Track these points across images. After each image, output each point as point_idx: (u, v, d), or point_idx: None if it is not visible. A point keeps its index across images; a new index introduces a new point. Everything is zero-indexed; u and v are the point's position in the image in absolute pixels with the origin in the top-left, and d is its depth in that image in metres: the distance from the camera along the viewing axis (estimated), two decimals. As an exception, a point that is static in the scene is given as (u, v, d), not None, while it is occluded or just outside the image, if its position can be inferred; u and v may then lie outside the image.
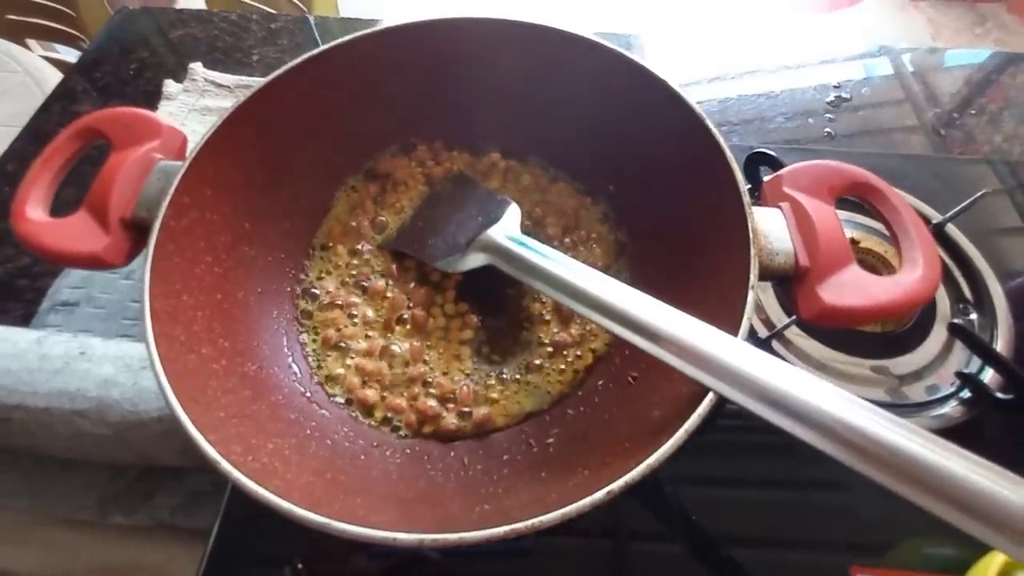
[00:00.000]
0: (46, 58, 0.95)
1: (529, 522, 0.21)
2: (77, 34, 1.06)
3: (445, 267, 0.36)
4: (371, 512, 0.22)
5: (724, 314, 0.26)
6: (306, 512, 0.21)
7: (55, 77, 0.87)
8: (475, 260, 0.34)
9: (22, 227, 0.28)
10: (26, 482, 0.41)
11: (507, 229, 0.34)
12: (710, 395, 0.23)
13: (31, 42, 1.07)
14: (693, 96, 0.31)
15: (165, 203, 0.28)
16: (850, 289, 0.25)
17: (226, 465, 0.22)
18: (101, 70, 0.67)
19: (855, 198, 0.29)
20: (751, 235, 0.26)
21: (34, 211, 0.29)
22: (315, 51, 0.34)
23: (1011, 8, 1.85)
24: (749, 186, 0.30)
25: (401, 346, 0.35)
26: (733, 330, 0.24)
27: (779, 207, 0.29)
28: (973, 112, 0.57)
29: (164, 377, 0.23)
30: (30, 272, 0.51)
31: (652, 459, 0.22)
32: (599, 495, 0.21)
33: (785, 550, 0.34)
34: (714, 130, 0.30)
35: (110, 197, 0.28)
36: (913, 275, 0.25)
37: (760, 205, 0.29)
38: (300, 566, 0.32)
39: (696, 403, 0.23)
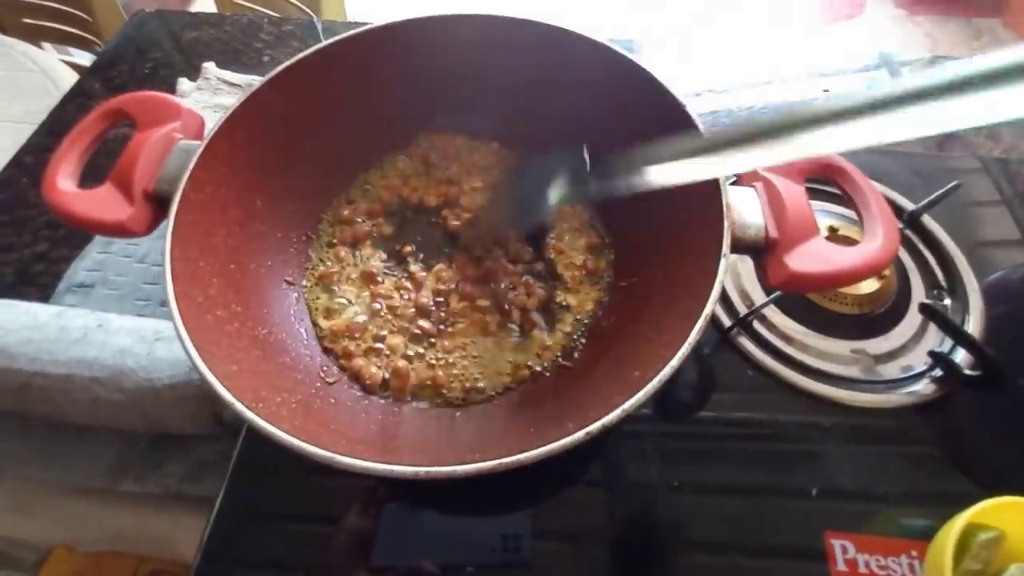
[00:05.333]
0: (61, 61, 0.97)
1: (515, 457, 0.23)
2: (92, 38, 1.09)
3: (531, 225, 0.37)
4: (373, 457, 0.24)
5: (700, 280, 0.28)
6: (313, 447, 0.23)
7: (71, 77, 0.90)
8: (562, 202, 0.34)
9: (53, 197, 0.30)
10: (41, 451, 0.43)
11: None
12: (681, 350, 0.25)
13: (46, 46, 1.10)
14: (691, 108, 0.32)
15: (185, 177, 0.30)
16: (815, 257, 0.27)
17: (240, 406, 0.24)
18: (117, 69, 0.70)
19: (824, 179, 0.31)
20: (725, 210, 0.29)
21: (64, 182, 0.31)
22: (326, 42, 0.36)
23: (1007, 22, 1.88)
24: (735, 176, 0.33)
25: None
26: (706, 293, 0.27)
27: (753, 186, 0.31)
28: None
29: (183, 329, 0.26)
30: (47, 257, 0.53)
31: (627, 404, 0.24)
32: (578, 435, 0.23)
33: (764, 525, 0.36)
34: (694, 115, 0.32)
35: (134, 171, 0.31)
36: (872, 245, 0.28)
37: (738, 185, 0.32)
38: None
39: (670, 356, 0.25)
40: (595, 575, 0.34)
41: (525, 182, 0.38)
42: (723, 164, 0.25)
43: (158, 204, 0.31)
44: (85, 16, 1.06)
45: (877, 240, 0.28)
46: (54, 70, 0.93)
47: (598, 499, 0.36)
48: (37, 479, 0.43)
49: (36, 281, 0.52)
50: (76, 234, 0.53)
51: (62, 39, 1.11)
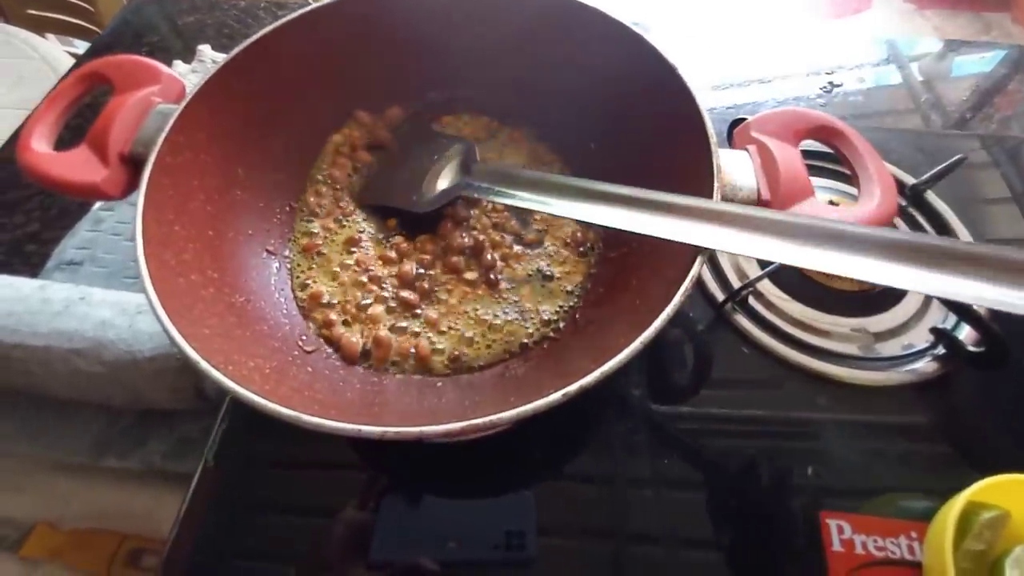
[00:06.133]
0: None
1: (487, 418, 0.22)
2: (95, 28, 1.10)
3: (424, 208, 0.37)
4: (339, 419, 0.23)
5: (688, 245, 0.27)
6: (277, 406, 0.22)
7: (70, 64, 0.90)
8: (449, 194, 0.37)
9: (26, 158, 0.30)
10: (25, 427, 0.42)
11: (473, 160, 0.38)
12: (664, 312, 0.24)
13: (50, 36, 1.10)
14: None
15: (161, 139, 0.30)
16: (807, 215, 0.26)
17: (205, 365, 0.23)
18: (113, 53, 0.69)
19: (819, 140, 0.30)
20: (715, 171, 0.28)
21: (39, 144, 0.30)
22: (309, 7, 0.35)
23: (1016, 17, 1.85)
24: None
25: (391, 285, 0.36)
26: (693, 257, 0.26)
27: (746, 149, 0.30)
28: (980, 117, 0.56)
29: (152, 289, 0.25)
30: (38, 237, 0.53)
31: (607, 366, 0.23)
32: (555, 396, 0.22)
33: (759, 506, 0.35)
34: (685, 78, 0.31)
35: (110, 133, 0.30)
36: (868, 206, 0.27)
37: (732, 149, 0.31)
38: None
39: (653, 319, 0.24)
40: (600, 572, 0.33)
41: (416, 158, 0.39)
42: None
43: (134, 167, 0.31)
44: (88, 6, 1.06)
45: (873, 201, 0.27)
46: (55, 58, 0.93)
47: (603, 494, 0.35)
48: (20, 455, 0.43)
49: (28, 261, 0.51)
50: (68, 214, 0.53)
51: (65, 30, 1.11)
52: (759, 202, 0.28)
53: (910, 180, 0.45)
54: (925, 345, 0.38)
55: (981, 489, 0.29)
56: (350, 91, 0.40)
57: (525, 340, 0.34)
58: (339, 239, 0.37)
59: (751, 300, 0.41)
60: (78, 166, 0.30)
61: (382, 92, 0.42)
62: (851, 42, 0.65)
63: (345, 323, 0.34)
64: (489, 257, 0.36)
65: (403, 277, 0.35)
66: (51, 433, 0.42)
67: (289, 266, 0.36)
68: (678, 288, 0.25)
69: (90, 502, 0.43)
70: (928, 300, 0.40)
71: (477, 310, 0.35)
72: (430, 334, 0.34)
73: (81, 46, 1.18)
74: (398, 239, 0.38)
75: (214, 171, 0.33)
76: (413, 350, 0.33)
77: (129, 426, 0.42)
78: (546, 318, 0.35)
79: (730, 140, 0.43)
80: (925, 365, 0.37)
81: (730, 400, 0.38)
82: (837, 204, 0.43)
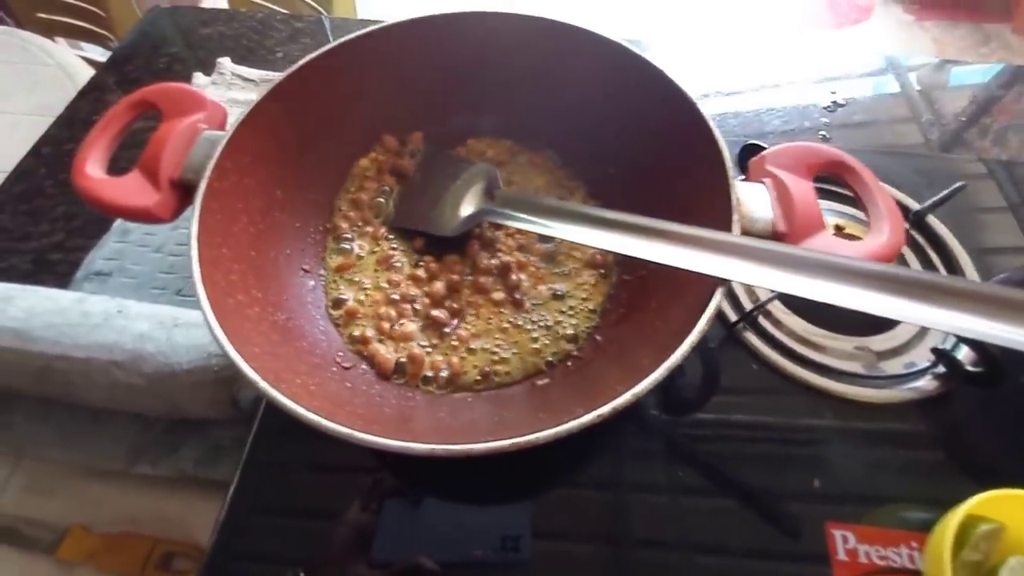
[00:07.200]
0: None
1: (529, 436, 0.23)
2: (105, 33, 1.11)
3: (451, 232, 0.39)
4: (387, 436, 0.25)
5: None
6: (335, 424, 0.24)
7: (86, 71, 0.91)
8: (474, 219, 0.39)
9: (82, 183, 0.31)
10: (60, 433, 0.44)
11: (495, 186, 0.40)
12: (690, 337, 0.26)
13: (60, 40, 1.11)
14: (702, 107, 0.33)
15: (211, 165, 0.31)
16: (820, 250, 0.28)
17: (265, 385, 0.25)
18: (133, 64, 0.71)
19: (831, 175, 0.32)
20: (735, 204, 0.30)
21: (93, 169, 0.32)
22: (343, 39, 0.37)
23: (1016, 28, 1.87)
24: (743, 177, 0.34)
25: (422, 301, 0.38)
26: (714, 285, 0.28)
27: (762, 182, 0.32)
28: (978, 128, 0.58)
29: (210, 310, 0.27)
30: (63, 247, 0.54)
31: (639, 388, 0.25)
32: (589, 417, 0.24)
33: (767, 516, 0.37)
34: (705, 114, 0.33)
35: (161, 159, 0.32)
36: (878, 240, 0.28)
37: (747, 181, 0.32)
38: (301, 575, 0.33)
39: (678, 345, 0.26)
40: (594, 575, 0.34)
41: (440, 181, 0.41)
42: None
43: (183, 191, 0.32)
44: (99, 11, 1.07)
45: (883, 235, 0.29)
46: (70, 64, 0.94)
47: (598, 499, 0.37)
48: (55, 460, 0.44)
49: (53, 269, 0.53)
50: (91, 224, 0.55)
51: (75, 34, 1.12)
52: (775, 234, 0.30)
53: (914, 205, 0.47)
54: (926, 364, 0.40)
55: (979, 503, 0.31)
56: (378, 116, 0.42)
57: (550, 358, 0.36)
58: (371, 259, 0.39)
59: (760, 319, 0.42)
60: (131, 191, 0.31)
61: (408, 118, 0.43)
62: (851, 54, 0.66)
63: (380, 340, 0.36)
64: (515, 278, 0.38)
65: (434, 296, 0.37)
66: (85, 440, 0.44)
67: (324, 284, 0.38)
68: (699, 316, 0.27)
69: (122, 507, 0.44)
70: (929, 320, 0.42)
71: (505, 328, 0.37)
72: (461, 351, 0.36)
73: (91, 50, 1.18)
74: (428, 258, 0.39)
75: (257, 193, 0.35)
76: (445, 367, 0.35)
77: (161, 433, 0.43)
78: (570, 335, 0.37)
79: (742, 165, 0.45)
80: (926, 383, 0.39)
81: (738, 412, 0.40)
82: (843, 228, 0.46)
